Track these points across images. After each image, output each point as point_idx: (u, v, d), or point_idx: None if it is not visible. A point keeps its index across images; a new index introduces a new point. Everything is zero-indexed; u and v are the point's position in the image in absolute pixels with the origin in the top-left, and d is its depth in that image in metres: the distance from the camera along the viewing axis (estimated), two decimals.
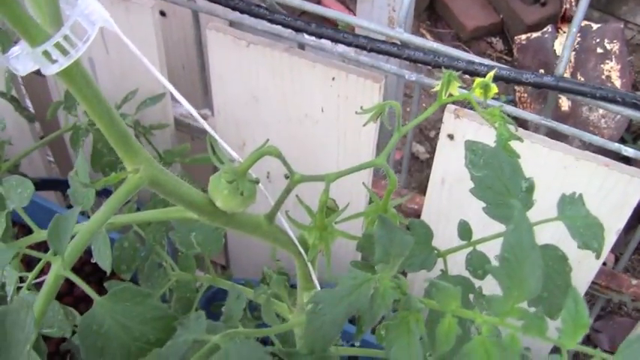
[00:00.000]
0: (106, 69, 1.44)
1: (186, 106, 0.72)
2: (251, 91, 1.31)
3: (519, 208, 0.49)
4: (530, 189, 0.64)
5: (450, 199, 1.23)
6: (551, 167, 1.11)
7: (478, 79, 0.70)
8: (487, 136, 1.06)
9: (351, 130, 1.23)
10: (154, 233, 1.04)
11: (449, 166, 1.19)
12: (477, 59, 1.02)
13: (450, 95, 0.71)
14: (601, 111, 2.72)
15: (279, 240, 0.73)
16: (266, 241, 0.74)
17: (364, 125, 0.73)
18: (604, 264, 1.51)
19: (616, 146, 1.13)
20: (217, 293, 1.19)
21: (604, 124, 2.72)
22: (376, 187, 1.42)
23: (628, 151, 1.14)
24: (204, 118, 1.51)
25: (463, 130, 1.12)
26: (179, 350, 0.60)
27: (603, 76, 2.76)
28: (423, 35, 3.17)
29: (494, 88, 0.69)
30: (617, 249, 2.35)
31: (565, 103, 2.71)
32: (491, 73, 0.70)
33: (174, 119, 1.50)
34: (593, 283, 1.32)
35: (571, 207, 0.69)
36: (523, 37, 2.86)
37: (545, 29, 2.87)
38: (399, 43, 1.12)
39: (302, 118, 1.28)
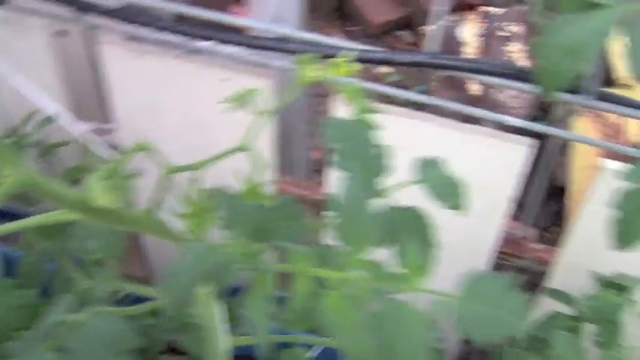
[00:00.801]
0: (7, 89, 1.44)
1: (66, 122, 0.75)
2: (150, 102, 1.33)
3: (350, 168, 0.53)
4: (381, 155, 0.68)
5: None
6: (441, 143, 1.16)
7: (334, 60, 0.74)
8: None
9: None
10: (58, 245, 1.05)
11: None
12: (359, 46, 1.06)
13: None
14: (511, 92, 2.80)
15: (162, 232, 0.76)
16: (149, 234, 0.77)
17: (223, 112, 0.77)
18: (524, 238, 1.57)
19: (498, 117, 1.18)
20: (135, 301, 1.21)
21: (515, 103, 2.79)
22: (284, 185, 1.45)
23: (516, 121, 1.20)
24: (109, 132, 1.54)
25: None
26: (44, 331, 0.63)
27: (510, 59, 2.84)
28: (331, 34, 3.22)
29: (347, 67, 0.73)
30: (539, 223, 2.42)
31: (475, 86, 2.79)
32: (347, 53, 0.74)
33: (82, 136, 1.51)
34: (500, 252, 1.38)
35: (429, 169, 0.74)
36: (429, 27, 2.93)
37: (449, 18, 2.95)
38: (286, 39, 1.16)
39: (200, 124, 1.31)
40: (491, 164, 1.16)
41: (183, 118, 1.32)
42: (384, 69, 3.04)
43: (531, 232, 1.53)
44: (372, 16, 3.22)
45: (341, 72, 0.72)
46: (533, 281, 2.04)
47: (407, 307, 0.52)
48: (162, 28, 1.20)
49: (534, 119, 2.67)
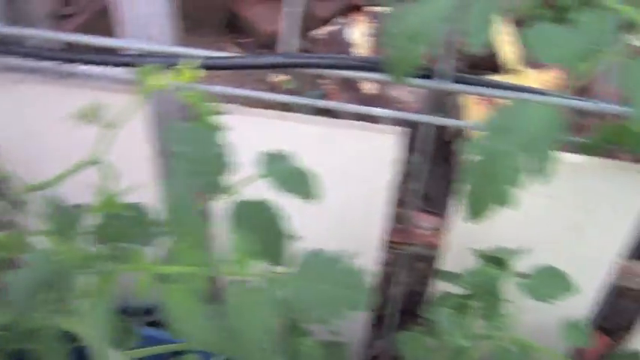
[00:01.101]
0: None
1: None
2: (30, 130, 1.33)
3: (174, 172, 0.55)
4: (222, 155, 0.71)
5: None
6: (312, 140, 1.18)
7: (179, 67, 0.77)
8: (260, 128, 1.15)
9: (125, 150, 1.28)
10: None
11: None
12: (216, 54, 1.08)
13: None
14: (407, 88, 2.86)
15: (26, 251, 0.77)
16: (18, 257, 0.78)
17: (72, 128, 0.79)
18: (411, 225, 1.60)
19: (368, 110, 1.21)
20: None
21: (410, 98, 2.85)
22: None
23: (384, 112, 1.23)
24: None
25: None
26: None
27: None
28: (223, 48, 3.24)
29: (190, 73, 0.76)
30: (442, 211, 2.47)
31: (369, 86, 2.84)
32: (191, 61, 0.77)
33: None
34: (390, 241, 1.41)
35: (275, 163, 0.76)
36: (317, 32, 2.98)
37: (337, 20, 3.00)
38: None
39: (79, 148, 1.31)
40: (364, 155, 1.19)
41: (64, 142, 1.32)
42: (280, 77, 3.07)
43: (429, 220, 1.57)
44: (262, 25, 3.26)
45: (185, 78, 0.74)
46: (431, 266, 2.09)
47: (249, 291, 0.54)
48: (28, 56, 1.20)
49: (431, 111, 2.73)
